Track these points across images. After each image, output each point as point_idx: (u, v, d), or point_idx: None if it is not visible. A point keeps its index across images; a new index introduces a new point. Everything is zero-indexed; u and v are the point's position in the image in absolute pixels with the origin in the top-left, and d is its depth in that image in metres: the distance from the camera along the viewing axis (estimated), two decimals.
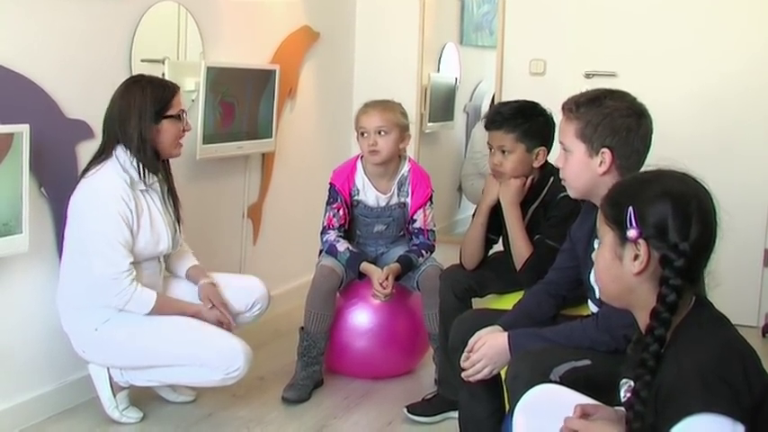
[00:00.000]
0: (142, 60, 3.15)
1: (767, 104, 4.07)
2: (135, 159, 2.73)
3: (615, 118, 2.07)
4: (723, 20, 4.10)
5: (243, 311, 3.00)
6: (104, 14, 2.98)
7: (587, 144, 2.10)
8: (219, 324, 2.86)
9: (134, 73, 3.08)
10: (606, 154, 2.07)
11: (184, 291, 2.97)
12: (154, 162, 2.78)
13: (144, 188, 2.78)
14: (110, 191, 2.69)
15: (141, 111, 2.71)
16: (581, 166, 2.12)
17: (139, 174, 2.74)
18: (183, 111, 2.84)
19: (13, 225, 2.55)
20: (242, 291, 3.02)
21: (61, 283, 2.80)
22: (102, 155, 2.75)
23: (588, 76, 4.24)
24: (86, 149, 2.91)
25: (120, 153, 2.73)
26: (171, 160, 2.91)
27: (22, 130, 2.52)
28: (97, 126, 2.91)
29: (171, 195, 2.92)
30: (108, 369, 2.86)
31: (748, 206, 4.03)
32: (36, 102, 2.73)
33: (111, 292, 2.69)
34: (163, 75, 3.21)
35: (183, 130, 2.84)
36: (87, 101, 2.92)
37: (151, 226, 2.78)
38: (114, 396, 2.87)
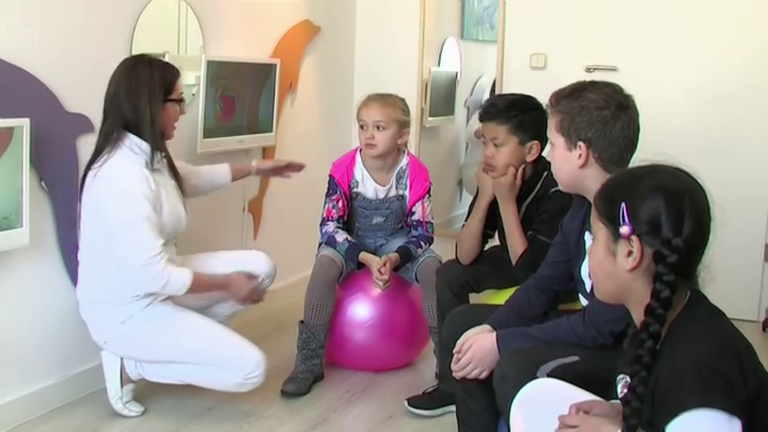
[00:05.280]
0: (143, 54, 3.15)
1: None
2: (145, 140, 2.69)
3: (591, 110, 2.06)
4: (724, 15, 4.10)
5: None
6: (105, 8, 2.99)
7: (566, 137, 2.11)
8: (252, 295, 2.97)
9: None
10: (582, 147, 2.08)
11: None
12: (161, 141, 2.76)
13: (155, 168, 2.75)
14: (128, 175, 2.65)
15: (151, 90, 2.69)
16: (562, 160, 2.14)
17: (151, 154, 2.71)
18: (182, 95, 2.84)
19: (13, 219, 2.55)
20: (248, 267, 3.03)
21: (82, 277, 2.80)
22: (108, 141, 2.70)
23: (589, 70, 4.23)
24: (87, 143, 2.91)
25: (129, 135, 2.69)
26: (169, 147, 2.90)
27: (23, 123, 2.53)
28: (97, 120, 2.91)
29: (173, 172, 2.90)
30: (122, 359, 2.87)
31: (749, 201, 4.03)
32: (36, 95, 2.74)
33: (147, 278, 2.66)
34: None
35: (180, 113, 2.84)
36: (88, 95, 2.91)
37: (169, 204, 2.77)
38: (122, 387, 2.88)
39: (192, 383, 2.92)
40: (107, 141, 2.70)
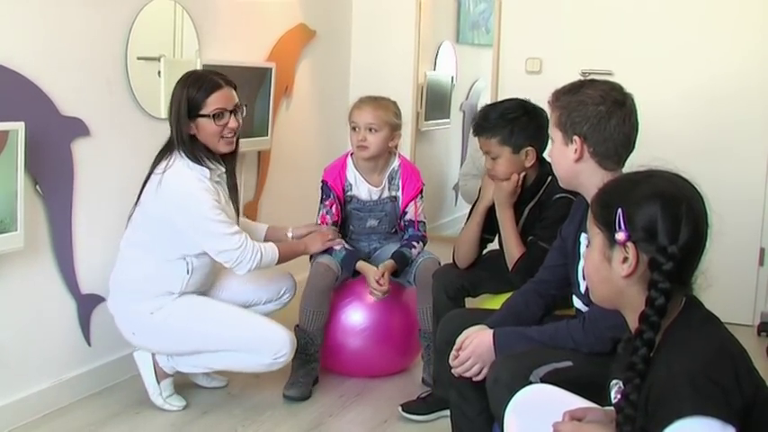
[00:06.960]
0: (138, 58, 3.15)
1: (762, 103, 4.07)
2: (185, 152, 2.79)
3: (587, 105, 2.09)
4: (718, 19, 4.11)
5: (273, 299, 3.14)
6: (100, 12, 2.98)
7: (563, 132, 2.13)
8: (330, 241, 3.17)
9: (130, 71, 3.11)
10: (577, 141, 2.10)
11: (234, 289, 3.07)
12: (206, 154, 2.82)
13: (216, 180, 2.85)
14: (188, 178, 2.76)
15: (178, 107, 2.79)
16: (559, 155, 2.16)
17: (200, 167, 2.79)
18: (223, 109, 2.80)
19: (8, 222, 2.55)
20: (271, 280, 3.15)
21: (120, 268, 2.88)
22: (167, 151, 2.81)
23: (584, 74, 4.22)
24: (82, 147, 2.92)
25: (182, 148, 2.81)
26: None
27: (18, 127, 2.52)
28: (92, 123, 2.93)
29: (232, 190, 2.97)
30: (153, 355, 2.93)
31: (743, 205, 4.03)
32: (31, 99, 2.73)
33: (245, 260, 2.81)
34: (159, 73, 3.23)
35: (226, 127, 2.82)
36: (83, 98, 2.92)
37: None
38: (158, 383, 2.94)
39: (223, 369, 3.01)
40: (167, 148, 2.82)
